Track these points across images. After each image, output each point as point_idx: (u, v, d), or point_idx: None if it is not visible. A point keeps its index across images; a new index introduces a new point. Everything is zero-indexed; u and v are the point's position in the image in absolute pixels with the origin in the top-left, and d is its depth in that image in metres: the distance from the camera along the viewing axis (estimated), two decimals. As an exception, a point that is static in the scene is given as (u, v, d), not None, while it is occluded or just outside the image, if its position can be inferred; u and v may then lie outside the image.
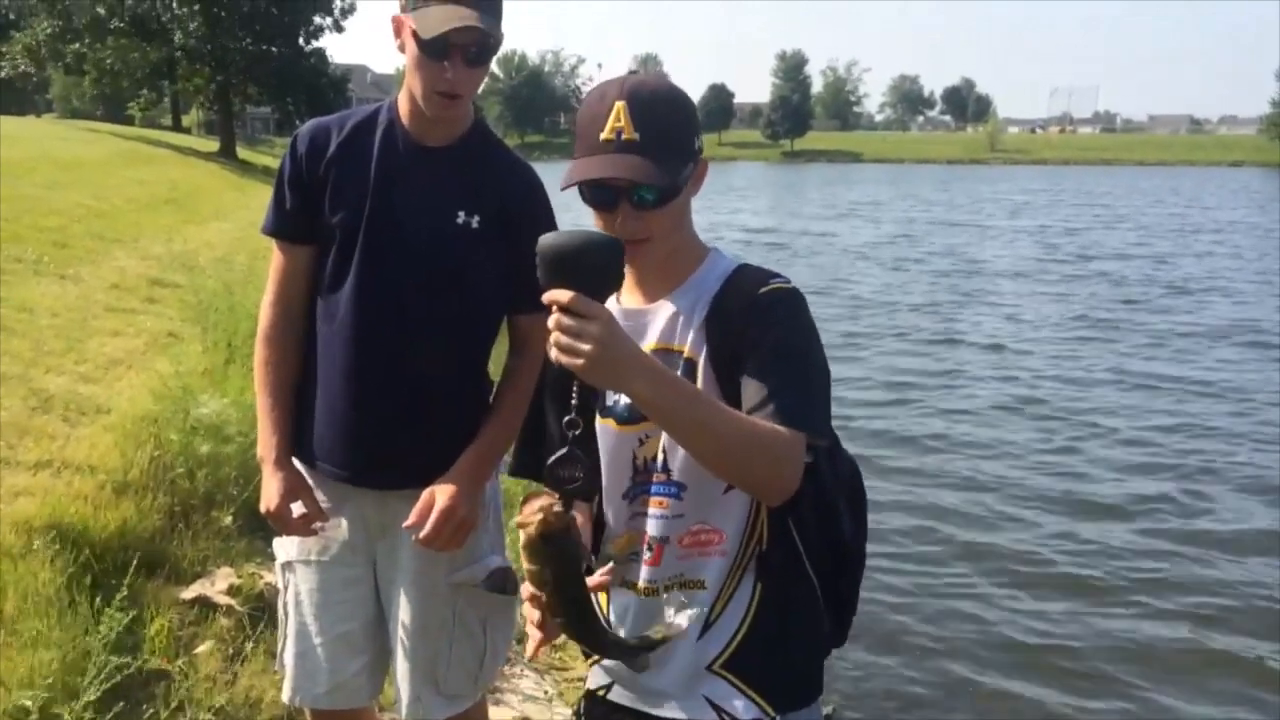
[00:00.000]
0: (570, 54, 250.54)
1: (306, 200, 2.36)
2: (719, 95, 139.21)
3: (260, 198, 19.62)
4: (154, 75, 39.59)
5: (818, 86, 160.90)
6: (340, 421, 2.37)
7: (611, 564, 1.79)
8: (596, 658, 1.82)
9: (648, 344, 1.70)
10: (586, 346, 1.40)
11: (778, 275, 1.70)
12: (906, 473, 8.33)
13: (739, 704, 1.72)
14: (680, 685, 1.74)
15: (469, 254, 2.32)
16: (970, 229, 31.87)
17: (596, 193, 1.64)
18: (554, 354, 1.44)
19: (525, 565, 1.52)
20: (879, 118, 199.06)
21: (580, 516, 1.76)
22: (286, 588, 2.52)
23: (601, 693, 1.84)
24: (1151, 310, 16.25)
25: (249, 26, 37.28)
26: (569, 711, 3.87)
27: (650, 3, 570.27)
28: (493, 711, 3.20)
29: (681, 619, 1.68)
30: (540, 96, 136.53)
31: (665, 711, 1.75)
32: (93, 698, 2.85)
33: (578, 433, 1.52)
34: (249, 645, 3.64)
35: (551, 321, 1.43)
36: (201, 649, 3.58)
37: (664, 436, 1.70)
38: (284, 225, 2.41)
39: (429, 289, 2.31)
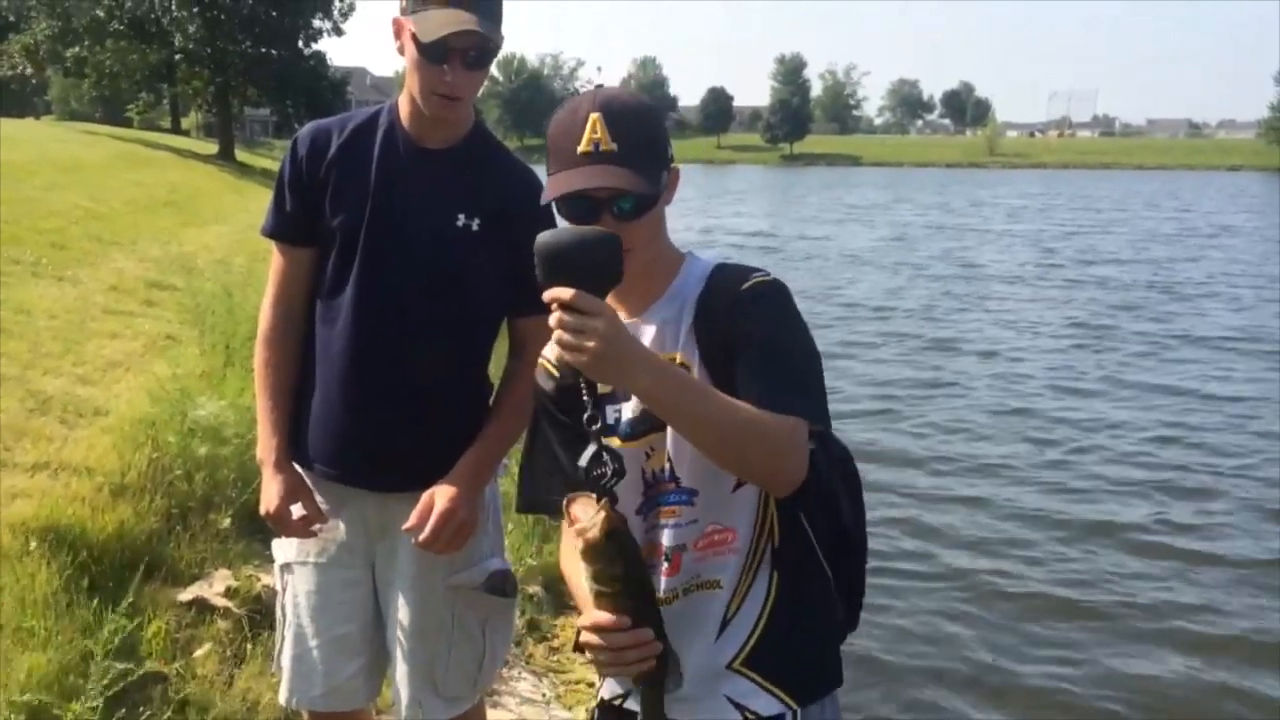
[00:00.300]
0: (569, 57, 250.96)
1: (306, 202, 2.36)
2: (718, 98, 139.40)
3: (259, 200, 19.63)
4: (153, 77, 39.58)
5: (817, 90, 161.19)
6: (340, 424, 2.37)
7: None
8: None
9: None
10: (590, 343, 1.41)
11: (758, 270, 1.70)
12: (903, 474, 8.30)
13: (761, 701, 1.72)
14: (700, 686, 1.73)
15: (469, 256, 2.32)
16: (967, 233, 31.78)
17: (575, 206, 1.64)
18: (557, 351, 1.45)
19: (591, 568, 1.53)
20: (878, 121, 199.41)
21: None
22: (285, 589, 2.52)
23: (617, 701, 1.82)
24: (1148, 317, 16.12)
25: (248, 29, 37.26)
26: (567, 714, 3.87)
27: (650, 4, 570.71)
28: (490, 714, 3.20)
29: None
30: (540, 99, 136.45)
31: (685, 715, 1.74)
32: (86, 703, 2.84)
33: (598, 427, 1.54)
34: (247, 647, 3.64)
35: (553, 319, 1.43)
36: (200, 652, 3.58)
37: (669, 446, 1.70)
38: (284, 227, 2.41)
39: (430, 291, 2.32)
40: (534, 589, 4.60)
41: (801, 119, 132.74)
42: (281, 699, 2.56)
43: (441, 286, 2.32)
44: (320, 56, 40.00)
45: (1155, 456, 8.85)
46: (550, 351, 1.83)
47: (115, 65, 37.61)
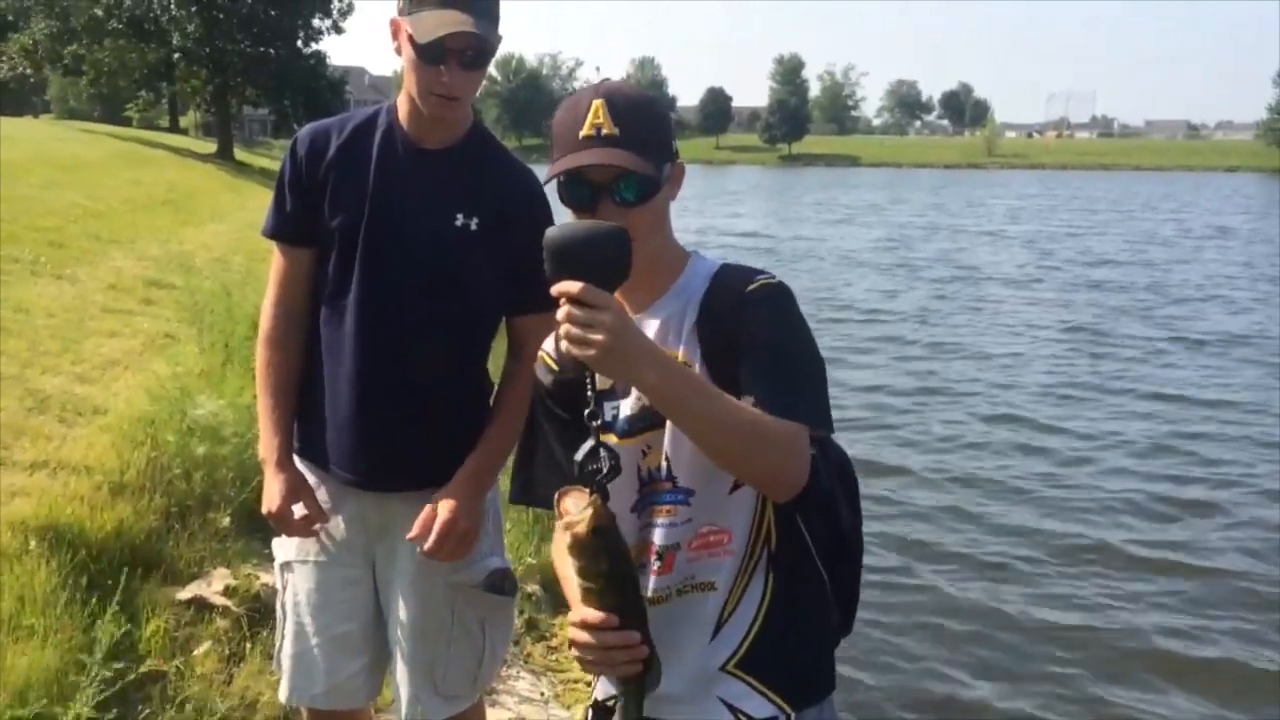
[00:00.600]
0: (568, 57, 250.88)
1: (306, 203, 2.37)
2: (717, 99, 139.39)
3: (257, 199, 19.64)
4: (152, 76, 39.53)
5: (815, 90, 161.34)
6: (341, 423, 2.37)
7: None
8: None
9: None
10: (598, 336, 1.41)
11: (762, 272, 1.70)
12: (900, 473, 8.31)
13: (754, 703, 1.71)
14: (694, 688, 1.73)
15: (467, 256, 2.33)
16: (963, 235, 31.74)
17: (576, 192, 1.63)
18: (564, 345, 1.44)
19: (577, 563, 1.52)
20: (876, 122, 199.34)
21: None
22: (285, 588, 2.52)
23: (610, 702, 1.83)
24: (1145, 321, 16.03)
25: (247, 28, 37.24)
26: (565, 713, 3.88)
27: (649, 4, 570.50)
28: (489, 713, 3.20)
29: None
30: (538, 99, 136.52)
31: (679, 716, 1.74)
32: (85, 702, 2.84)
33: (598, 423, 1.54)
34: (246, 646, 3.64)
35: (561, 313, 1.43)
36: (199, 651, 3.58)
37: (666, 445, 1.70)
38: (284, 228, 2.42)
39: (429, 291, 2.32)
40: (533, 588, 4.61)
41: (800, 119, 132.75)
42: (282, 697, 2.57)
43: (440, 286, 2.33)
44: (319, 56, 39.98)
45: (1151, 466, 8.73)
46: (549, 345, 1.83)
47: (114, 64, 37.58)
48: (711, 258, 1.78)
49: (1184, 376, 12.17)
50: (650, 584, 1.73)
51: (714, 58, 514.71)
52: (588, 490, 1.53)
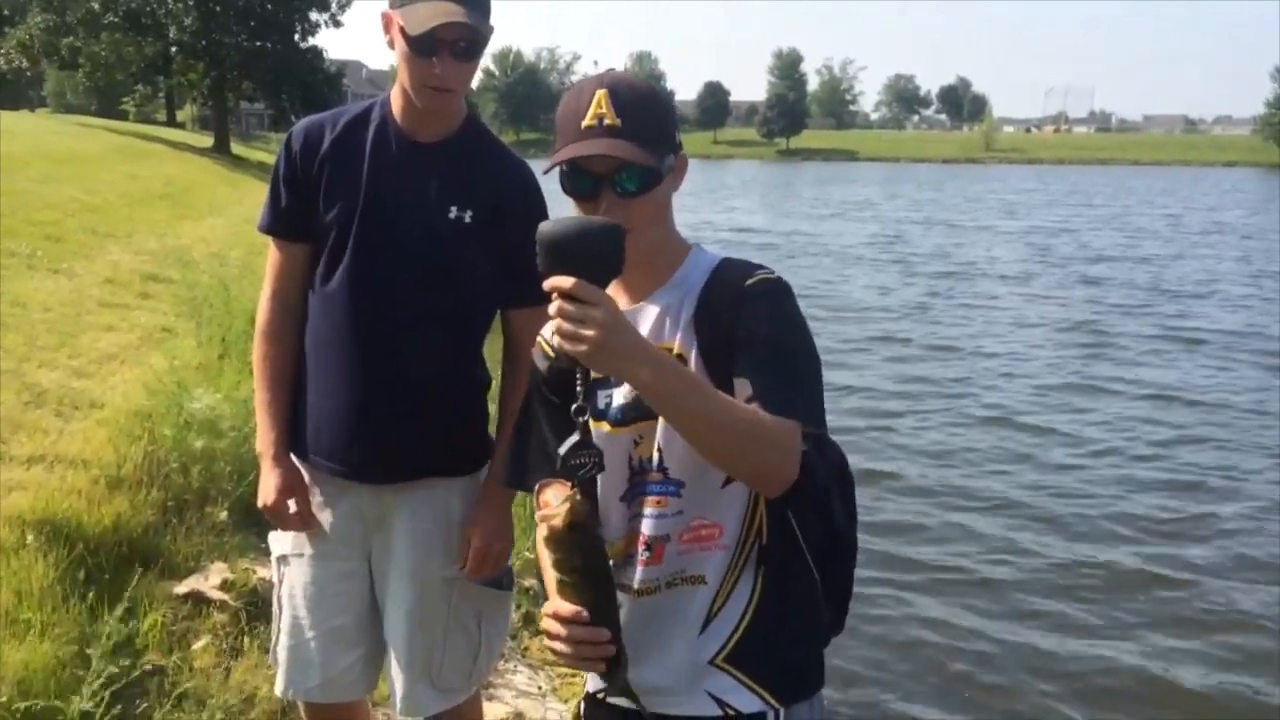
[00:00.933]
0: (566, 51, 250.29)
1: (301, 198, 2.37)
2: (715, 93, 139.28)
3: (254, 193, 19.59)
4: (149, 70, 39.42)
5: (813, 85, 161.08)
6: (337, 417, 2.38)
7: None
8: None
9: None
10: (590, 332, 1.41)
11: (762, 267, 1.70)
12: (898, 472, 8.25)
13: (742, 698, 1.71)
14: (682, 681, 1.73)
15: (462, 249, 2.33)
16: (961, 229, 31.59)
17: (578, 181, 1.64)
18: (557, 341, 1.44)
19: (552, 556, 1.53)
20: (874, 116, 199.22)
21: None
22: (281, 581, 2.53)
23: (601, 695, 1.83)
24: (1144, 318, 15.85)
25: (244, 22, 37.13)
26: (562, 707, 3.88)
27: (648, 4, 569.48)
28: (486, 707, 3.20)
29: None
30: (536, 93, 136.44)
31: (668, 709, 1.74)
32: (84, 695, 2.84)
33: (585, 420, 1.53)
34: (244, 640, 3.64)
35: (553, 308, 1.43)
36: (198, 645, 3.58)
37: (658, 435, 1.69)
38: (279, 223, 2.42)
39: (423, 285, 2.33)
40: (530, 582, 4.61)
41: (798, 114, 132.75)
42: (278, 690, 2.57)
43: (435, 280, 2.33)
44: (316, 50, 39.88)
45: (1149, 468, 8.56)
46: (548, 331, 1.83)
47: (110, 58, 37.49)
48: (713, 252, 1.77)
49: (1182, 375, 12.00)
50: (638, 574, 1.73)
51: (713, 55, 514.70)
52: (569, 484, 1.53)
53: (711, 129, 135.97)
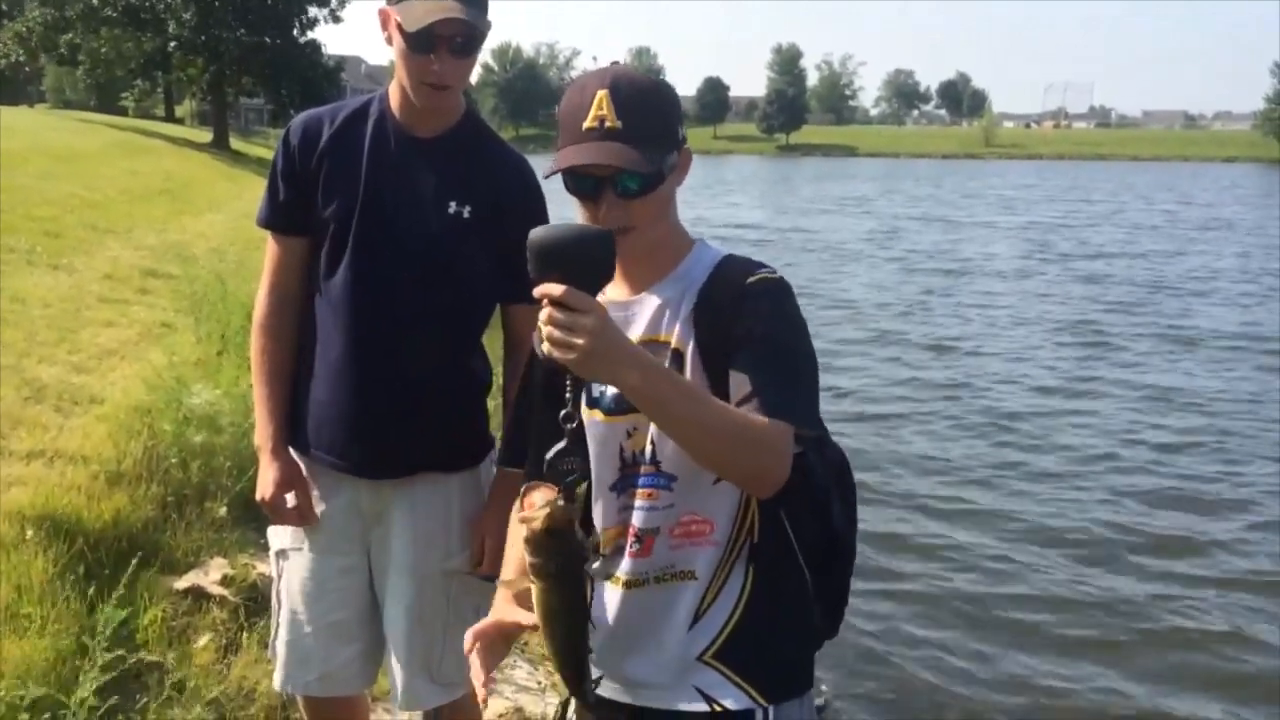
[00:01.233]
0: (565, 46, 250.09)
1: (300, 192, 2.37)
2: (714, 88, 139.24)
3: (254, 188, 19.55)
4: (148, 66, 39.38)
5: (813, 80, 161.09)
6: (336, 411, 2.38)
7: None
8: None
9: (634, 336, 1.69)
10: (579, 340, 1.40)
11: (764, 265, 1.70)
12: (894, 474, 8.17)
13: (729, 694, 1.71)
14: (670, 676, 1.73)
15: (461, 245, 2.33)
16: (960, 225, 31.40)
17: (580, 182, 1.64)
18: (545, 347, 1.43)
19: (529, 559, 1.53)
20: (874, 112, 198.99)
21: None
22: (280, 576, 2.53)
23: (591, 686, 1.84)
24: (1143, 315, 15.67)
25: (243, 16, 37.06)
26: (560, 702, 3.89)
27: (648, 4, 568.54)
28: (485, 702, 3.20)
29: None
30: (536, 89, 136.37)
31: (656, 703, 1.75)
32: (86, 690, 2.84)
33: (573, 426, 1.52)
34: (243, 636, 3.65)
35: (543, 315, 1.42)
36: (200, 643, 3.59)
37: (652, 428, 1.69)
38: (278, 217, 2.43)
39: (423, 281, 2.33)
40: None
41: (797, 109, 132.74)
42: (276, 684, 2.58)
43: (434, 276, 2.33)
44: (315, 44, 39.81)
45: (1153, 470, 8.41)
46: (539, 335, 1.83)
47: (110, 53, 37.45)
48: (717, 248, 1.77)
49: (1182, 376, 11.82)
50: (627, 566, 1.73)
51: (713, 54, 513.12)
52: (556, 488, 1.52)
53: (711, 124, 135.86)
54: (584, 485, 1.65)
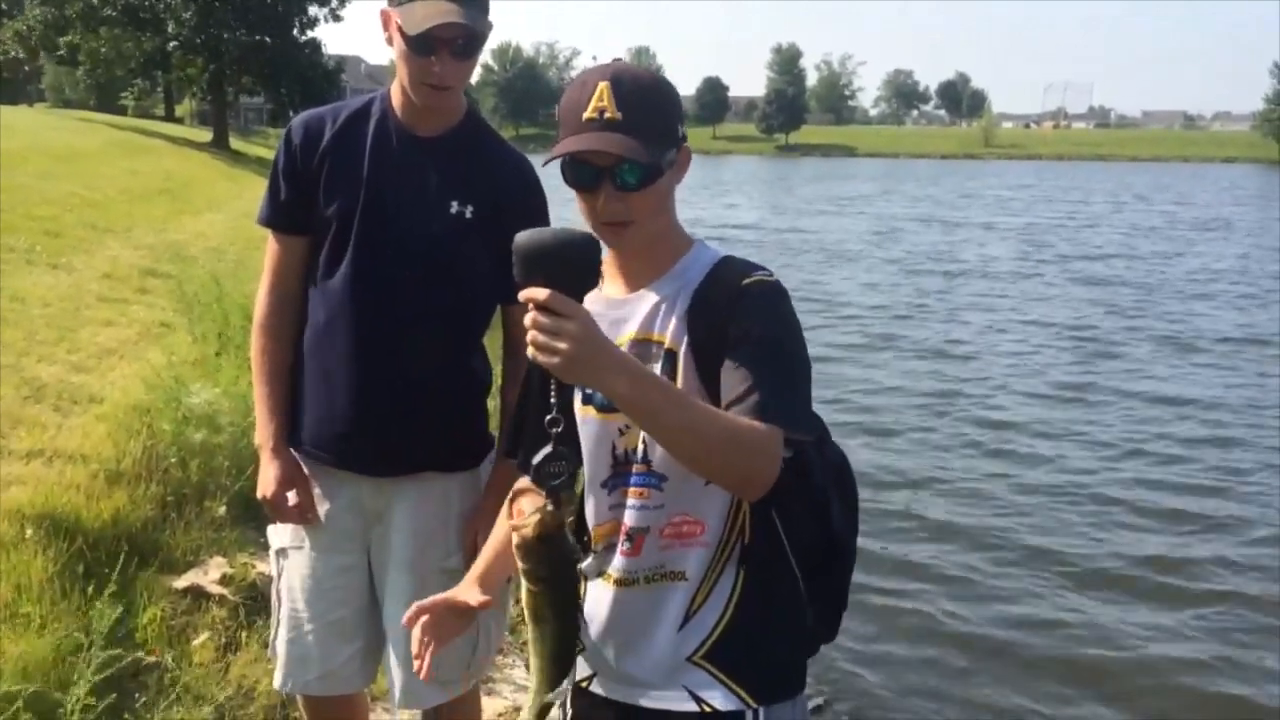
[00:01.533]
0: (565, 46, 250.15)
1: (301, 191, 2.37)
2: (714, 88, 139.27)
3: (253, 188, 19.57)
4: (148, 65, 39.38)
5: (812, 80, 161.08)
6: (336, 411, 2.38)
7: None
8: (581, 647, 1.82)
9: (628, 333, 1.70)
10: (563, 345, 1.40)
11: (761, 268, 1.69)
12: (893, 480, 8.09)
13: (718, 695, 1.71)
14: (661, 675, 1.73)
15: (462, 244, 2.34)
16: (958, 226, 31.24)
17: (578, 172, 1.64)
18: (530, 352, 1.43)
19: (520, 564, 1.53)
20: (873, 112, 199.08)
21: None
22: (280, 574, 2.53)
23: (584, 684, 1.84)
24: (1142, 318, 15.49)
25: (243, 16, 37.08)
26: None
27: (648, 4, 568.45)
28: (485, 701, 3.21)
29: None
30: (535, 88, 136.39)
31: (646, 701, 1.74)
32: (84, 690, 2.84)
33: (559, 430, 1.51)
34: (242, 635, 3.65)
35: (528, 319, 1.42)
36: (197, 641, 3.59)
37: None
38: (279, 216, 2.43)
39: (424, 281, 2.33)
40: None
41: (797, 109, 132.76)
42: (276, 683, 2.58)
43: (435, 276, 2.34)
44: (315, 44, 39.81)
45: (1155, 476, 8.28)
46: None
47: (110, 52, 37.45)
48: (715, 249, 1.77)
49: (1182, 379, 11.68)
50: (619, 564, 1.73)
51: (712, 54, 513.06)
52: (544, 493, 1.52)
53: (710, 124, 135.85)
54: (580, 482, 1.65)
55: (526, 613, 1.57)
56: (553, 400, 1.51)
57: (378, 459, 2.39)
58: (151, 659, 3.36)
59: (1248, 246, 25.96)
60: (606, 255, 1.73)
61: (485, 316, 2.47)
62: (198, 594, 3.85)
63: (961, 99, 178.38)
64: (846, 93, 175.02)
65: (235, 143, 38.10)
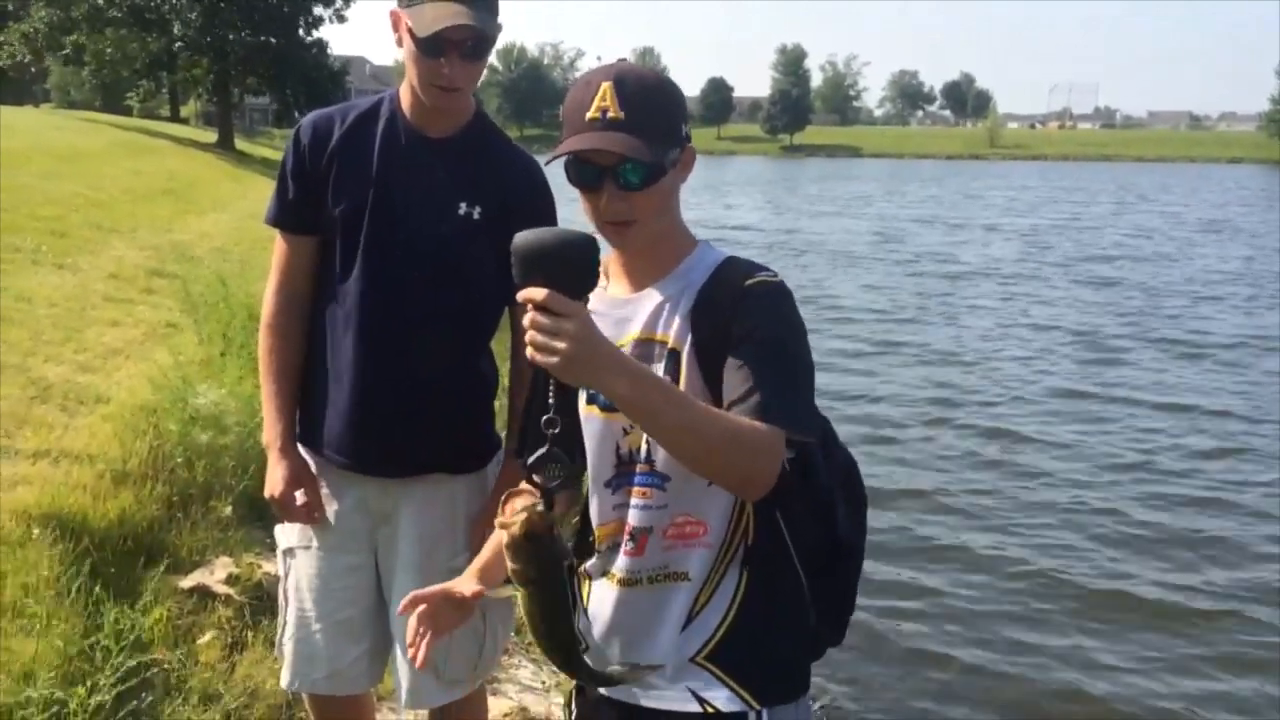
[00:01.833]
0: (570, 47, 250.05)
1: (309, 191, 2.38)
2: (718, 89, 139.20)
3: (258, 188, 19.59)
4: (153, 66, 39.44)
5: (817, 81, 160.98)
6: (344, 411, 2.39)
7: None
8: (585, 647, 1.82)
9: (631, 333, 1.70)
10: (561, 345, 1.40)
11: (765, 269, 1.69)
12: (900, 481, 8.09)
13: (721, 695, 1.71)
14: (664, 676, 1.73)
15: (470, 245, 2.34)
16: (963, 228, 31.15)
17: (581, 172, 1.65)
18: (529, 352, 1.43)
19: (509, 564, 1.53)
20: (878, 112, 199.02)
21: (561, 506, 1.75)
22: (287, 574, 2.54)
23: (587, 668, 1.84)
24: (1147, 319, 15.41)
25: (248, 17, 37.14)
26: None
27: (648, 4, 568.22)
28: (491, 702, 3.21)
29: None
30: (540, 89, 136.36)
31: (648, 701, 1.75)
32: (88, 688, 2.85)
33: (556, 431, 1.51)
34: (248, 635, 3.66)
35: (526, 320, 1.42)
36: (203, 640, 3.59)
37: None
38: (286, 216, 2.43)
39: (433, 282, 2.34)
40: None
41: (801, 110, 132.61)
42: (284, 683, 2.58)
43: (444, 277, 2.34)
44: (320, 44, 39.86)
45: (1157, 483, 8.15)
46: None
47: (115, 53, 37.51)
48: (720, 250, 1.77)
49: (1188, 382, 11.56)
50: (622, 564, 1.74)
51: (715, 54, 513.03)
52: (538, 493, 1.53)
53: (715, 125, 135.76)
54: (584, 483, 1.64)
55: (524, 613, 1.58)
56: (551, 401, 1.51)
57: (385, 459, 2.40)
58: (157, 658, 3.36)
59: (1254, 248, 25.83)
60: (611, 255, 1.74)
61: (493, 318, 2.48)
62: (204, 594, 3.86)
63: (966, 99, 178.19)
64: (851, 93, 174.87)
65: (240, 143, 38.13)
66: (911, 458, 8.84)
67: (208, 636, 3.62)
